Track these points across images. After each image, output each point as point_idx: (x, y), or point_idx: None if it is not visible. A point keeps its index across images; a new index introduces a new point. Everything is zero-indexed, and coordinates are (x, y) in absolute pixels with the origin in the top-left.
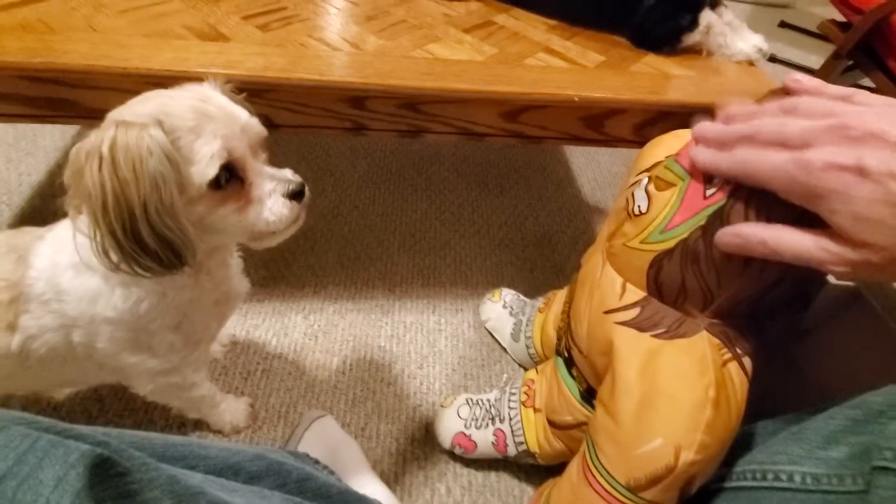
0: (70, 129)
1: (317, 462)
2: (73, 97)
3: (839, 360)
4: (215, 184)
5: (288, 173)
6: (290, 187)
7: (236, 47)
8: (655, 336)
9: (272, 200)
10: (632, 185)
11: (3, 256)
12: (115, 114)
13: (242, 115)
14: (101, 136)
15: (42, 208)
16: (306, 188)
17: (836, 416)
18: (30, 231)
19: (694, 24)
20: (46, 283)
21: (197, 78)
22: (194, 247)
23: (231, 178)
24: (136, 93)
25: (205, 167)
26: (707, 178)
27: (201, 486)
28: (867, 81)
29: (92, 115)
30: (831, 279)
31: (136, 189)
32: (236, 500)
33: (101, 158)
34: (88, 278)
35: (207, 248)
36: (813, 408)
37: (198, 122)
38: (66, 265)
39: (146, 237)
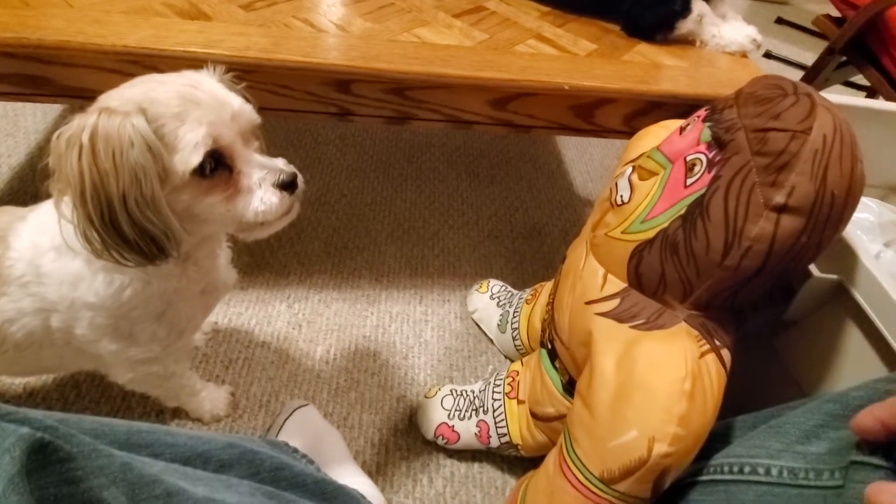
0: (52, 110)
1: (295, 451)
2: (47, 74)
3: (821, 354)
4: (200, 172)
5: (280, 163)
6: (281, 177)
7: (218, 26)
8: (634, 327)
9: (262, 190)
10: (616, 175)
11: None
12: (104, 98)
13: (234, 102)
14: (83, 123)
15: (21, 190)
16: (300, 178)
17: (816, 410)
18: (10, 211)
19: (686, 9)
20: (27, 264)
21: (190, 60)
22: (178, 238)
23: (218, 166)
24: (114, 71)
25: (188, 155)
26: (689, 166)
27: (158, 475)
28: (860, 78)
29: (68, 94)
30: (815, 271)
31: (116, 180)
32: (199, 488)
33: (80, 147)
34: (70, 261)
35: (196, 239)
36: (793, 401)
37: (183, 108)
38: (47, 247)
39: (126, 228)
